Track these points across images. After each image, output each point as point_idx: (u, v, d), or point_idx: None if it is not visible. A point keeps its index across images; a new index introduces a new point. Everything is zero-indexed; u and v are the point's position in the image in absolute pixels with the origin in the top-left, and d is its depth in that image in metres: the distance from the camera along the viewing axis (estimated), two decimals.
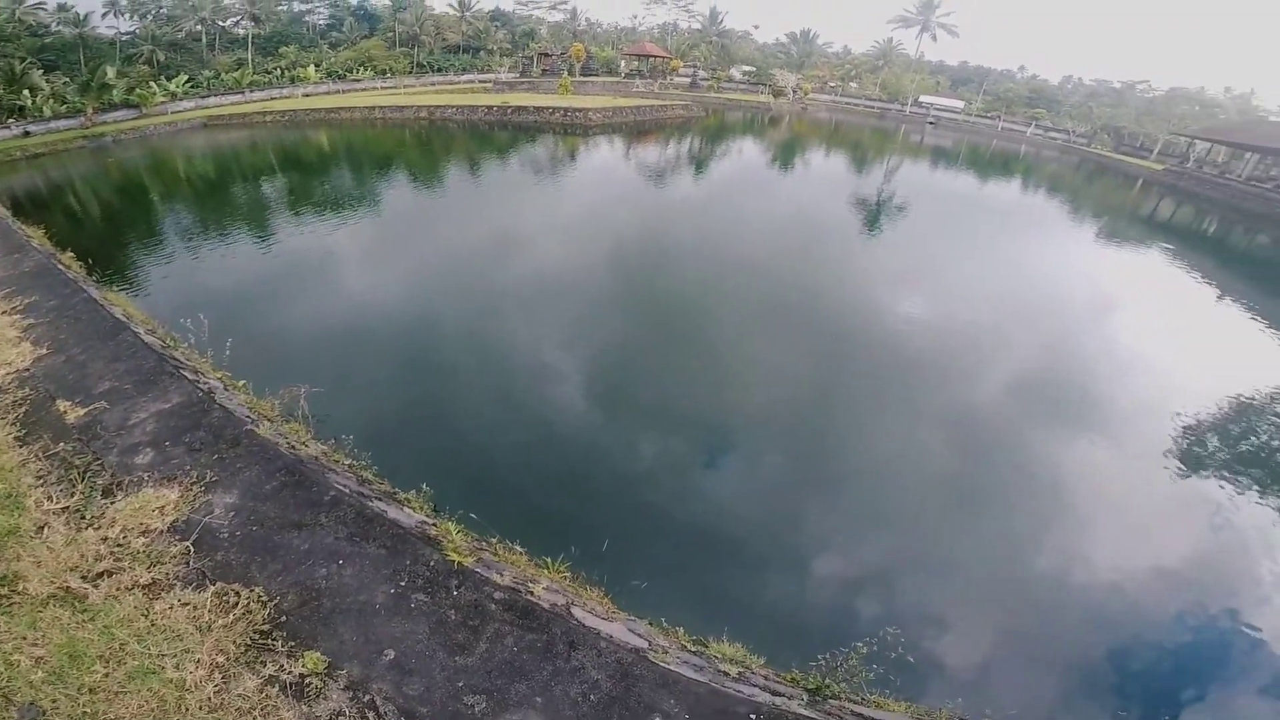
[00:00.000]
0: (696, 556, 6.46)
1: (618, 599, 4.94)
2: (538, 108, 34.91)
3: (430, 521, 4.90)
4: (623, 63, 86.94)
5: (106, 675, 3.30)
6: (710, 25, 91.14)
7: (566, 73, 73.53)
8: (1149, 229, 30.16)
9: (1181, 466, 9.10)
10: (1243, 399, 11.57)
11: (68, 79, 65.39)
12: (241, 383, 6.76)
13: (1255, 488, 8.74)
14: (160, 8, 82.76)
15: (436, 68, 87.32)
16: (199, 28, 79.12)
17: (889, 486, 7.91)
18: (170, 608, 3.68)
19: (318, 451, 5.59)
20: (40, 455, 4.28)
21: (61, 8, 74.27)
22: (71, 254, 10.87)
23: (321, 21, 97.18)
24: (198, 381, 5.58)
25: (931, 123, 75.49)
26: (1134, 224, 31.11)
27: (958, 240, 20.26)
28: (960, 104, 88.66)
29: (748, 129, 46.97)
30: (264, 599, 3.78)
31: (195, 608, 3.69)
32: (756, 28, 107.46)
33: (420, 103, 40.12)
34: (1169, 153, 63.15)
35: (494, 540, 5.07)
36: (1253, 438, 10.43)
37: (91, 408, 4.87)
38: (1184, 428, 10.12)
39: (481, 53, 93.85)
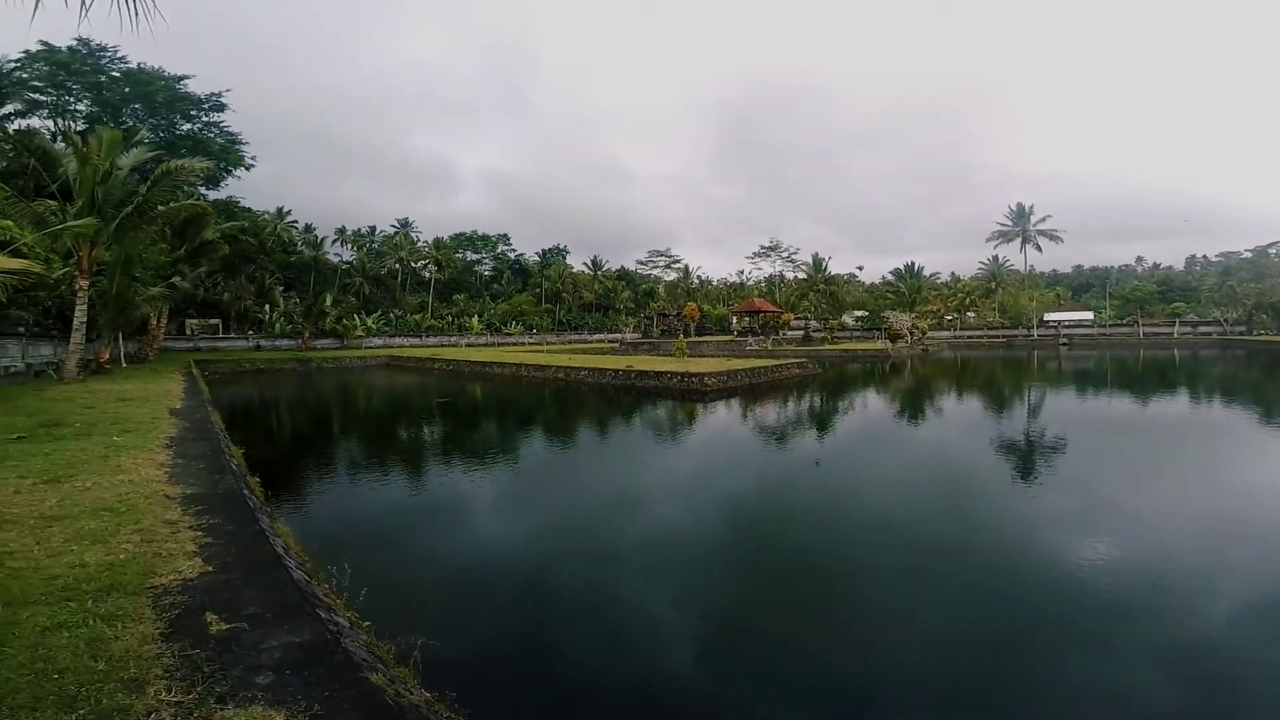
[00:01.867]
0: None
1: None
2: (657, 372, 37.98)
3: None
4: (734, 320, 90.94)
5: None
6: (816, 273, 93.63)
7: (681, 334, 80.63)
8: None
9: None
10: None
11: (297, 299, 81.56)
12: (366, 624, 6.93)
13: None
14: (373, 242, 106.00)
15: (574, 325, 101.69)
16: (396, 265, 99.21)
17: None
18: None
19: (421, 700, 5.43)
20: (175, 653, 4.60)
21: (308, 228, 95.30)
22: (258, 478, 12.56)
23: (486, 272, 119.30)
24: (329, 621, 5.87)
25: (1065, 344, 71.26)
26: None
27: (1139, 474, 17.51)
28: (1089, 315, 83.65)
29: (869, 380, 45.56)
30: None
31: None
32: (861, 269, 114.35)
33: (558, 363, 47.65)
34: None
35: None
36: None
37: (233, 625, 5.19)
38: None
39: (610, 310, 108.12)
